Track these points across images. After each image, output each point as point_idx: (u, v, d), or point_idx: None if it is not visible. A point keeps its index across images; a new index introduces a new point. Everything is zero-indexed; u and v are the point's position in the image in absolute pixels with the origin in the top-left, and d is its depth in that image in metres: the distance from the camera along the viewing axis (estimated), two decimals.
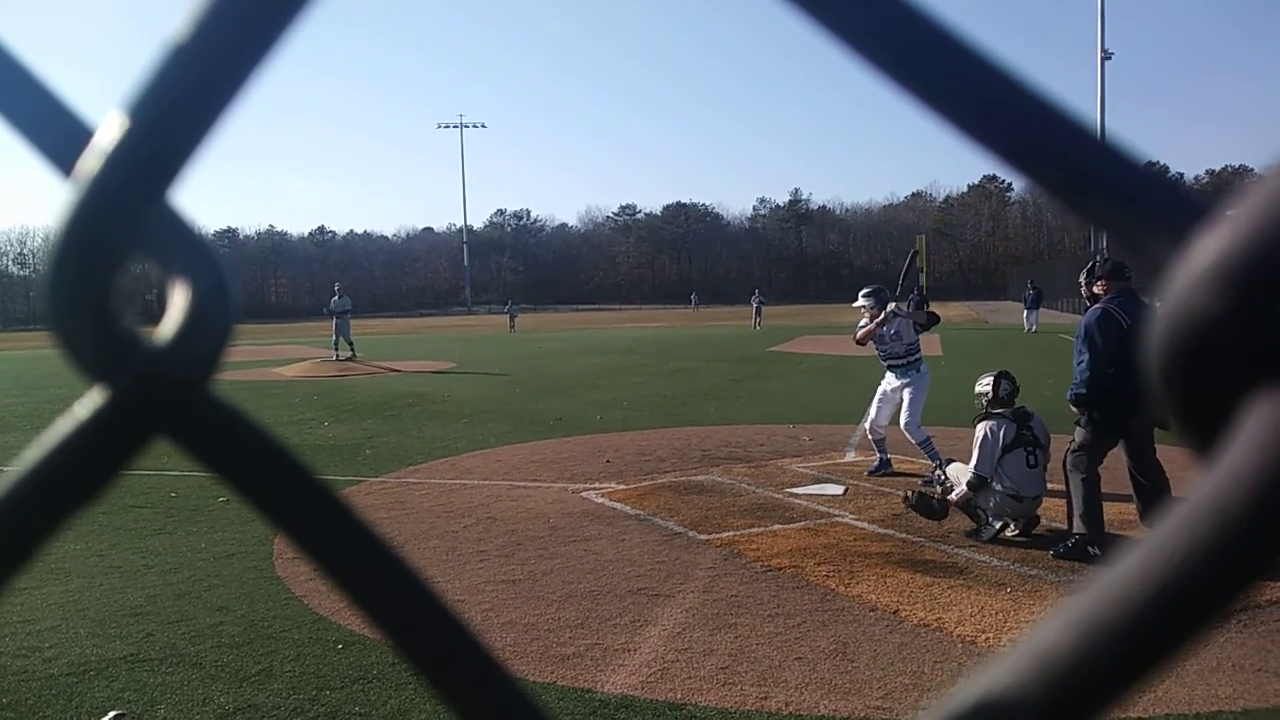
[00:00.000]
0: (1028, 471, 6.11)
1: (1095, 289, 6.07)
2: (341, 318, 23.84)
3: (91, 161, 0.26)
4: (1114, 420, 5.90)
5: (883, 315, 8.37)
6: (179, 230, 0.29)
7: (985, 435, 6.19)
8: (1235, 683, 3.87)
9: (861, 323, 8.68)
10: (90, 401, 0.28)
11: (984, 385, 6.48)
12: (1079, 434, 5.98)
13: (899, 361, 8.54)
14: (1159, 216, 0.24)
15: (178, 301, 0.29)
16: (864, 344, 8.67)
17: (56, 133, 0.30)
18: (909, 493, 6.68)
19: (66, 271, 0.26)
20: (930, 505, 6.44)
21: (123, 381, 0.28)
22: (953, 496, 6.30)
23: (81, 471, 0.28)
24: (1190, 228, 0.23)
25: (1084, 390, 5.87)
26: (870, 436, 8.68)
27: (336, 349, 23.86)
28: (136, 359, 0.28)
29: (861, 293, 8.73)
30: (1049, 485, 6.33)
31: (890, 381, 8.63)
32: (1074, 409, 6.03)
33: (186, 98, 0.25)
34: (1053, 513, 6.61)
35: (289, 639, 4.60)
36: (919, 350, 8.63)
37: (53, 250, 0.26)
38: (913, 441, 8.18)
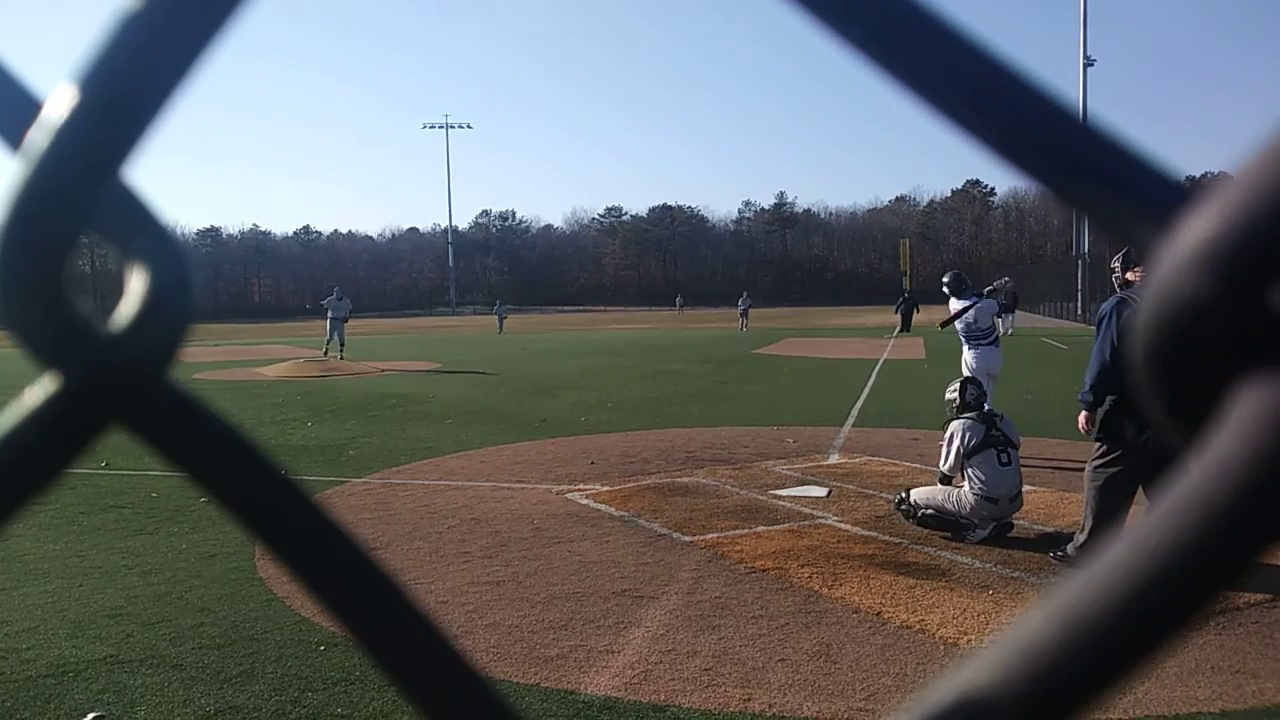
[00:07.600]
0: (1000, 470, 6.12)
1: (1129, 276, 5.66)
2: (337, 320, 23.87)
3: (41, 136, 0.25)
4: (1122, 427, 5.35)
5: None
6: (137, 213, 0.28)
7: (953, 433, 6.40)
8: (1214, 684, 3.90)
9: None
10: (41, 389, 0.27)
11: (951, 392, 6.84)
12: (1097, 445, 5.57)
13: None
14: (1145, 200, 0.24)
15: (134, 288, 0.28)
16: None
17: (3, 105, 0.29)
18: (903, 495, 6.62)
19: (15, 253, 0.25)
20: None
21: (75, 369, 0.27)
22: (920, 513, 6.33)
23: (31, 461, 0.27)
24: (1176, 211, 0.22)
25: (1088, 391, 5.50)
26: None
27: (327, 350, 23.85)
28: (90, 346, 0.27)
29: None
30: (1026, 486, 6.39)
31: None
32: (1082, 413, 5.65)
33: (141, 69, 0.24)
34: (1035, 515, 6.65)
35: (271, 640, 4.56)
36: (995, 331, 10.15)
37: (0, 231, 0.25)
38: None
